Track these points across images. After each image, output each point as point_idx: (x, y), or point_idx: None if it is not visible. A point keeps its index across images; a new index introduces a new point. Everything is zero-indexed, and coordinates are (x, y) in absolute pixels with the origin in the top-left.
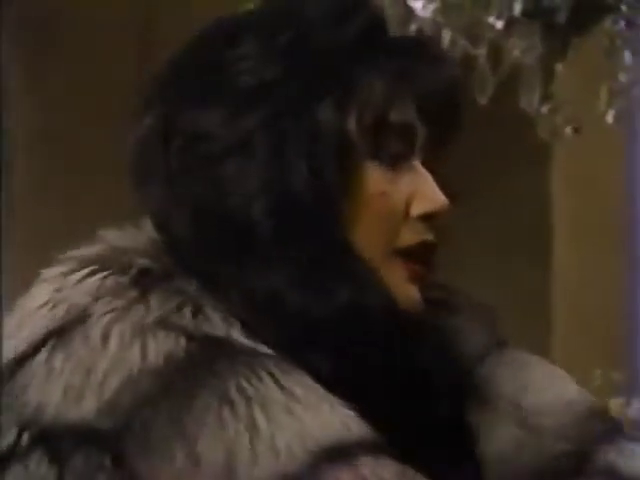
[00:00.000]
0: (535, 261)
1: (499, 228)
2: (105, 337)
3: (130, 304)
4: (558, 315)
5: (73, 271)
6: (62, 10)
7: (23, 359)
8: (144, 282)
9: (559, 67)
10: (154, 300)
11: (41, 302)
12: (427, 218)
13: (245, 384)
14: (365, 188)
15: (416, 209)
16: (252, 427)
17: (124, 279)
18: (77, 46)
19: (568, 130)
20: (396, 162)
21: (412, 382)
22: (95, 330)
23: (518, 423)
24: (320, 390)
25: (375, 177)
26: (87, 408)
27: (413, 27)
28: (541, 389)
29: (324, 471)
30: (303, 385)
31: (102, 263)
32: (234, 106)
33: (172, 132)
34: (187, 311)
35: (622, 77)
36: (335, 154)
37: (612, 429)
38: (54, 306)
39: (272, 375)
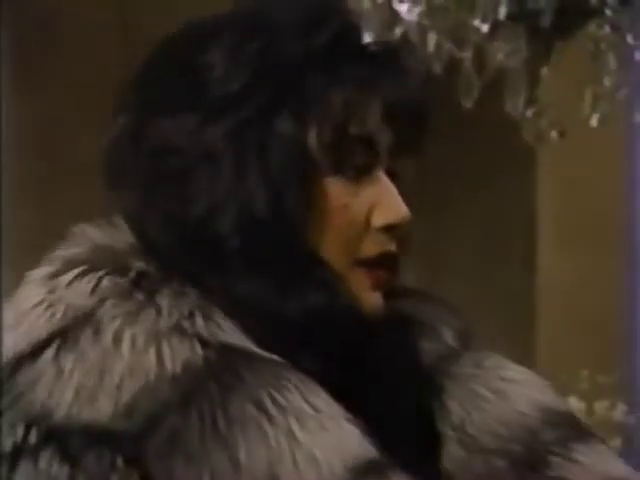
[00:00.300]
0: (521, 263)
1: (485, 231)
2: (117, 340)
3: (139, 308)
4: (543, 317)
5: (62, 272)
6: (56, 11)
7: (24, 358)
8: (146, 284)
9: (544, 71)
10: (164, 304)
11: (35, 302)
12: (388, 229)
13: (276, 394)
14: (326, 201)
15: (377, 220)
16: (292, 438)
17: (123, 281)
18: (67, 47)
19: (553, 134)
20: (358, 174)
21: (378, 381)
22: (106, 333)
23: (462, 445)
24: (335, 404)
25: (337, 190)
26: (102, 410)
27: (398, 31)
28: (489, 406)
29: None
30: (322, 399)
31: (91, 263)
32: (202, 116)
33: (143, 138)
34: (198, 317)
35: (607, 81)
36: (294, 169)
37: (566, 437)
38: (50, 306)
39: (297, 387)
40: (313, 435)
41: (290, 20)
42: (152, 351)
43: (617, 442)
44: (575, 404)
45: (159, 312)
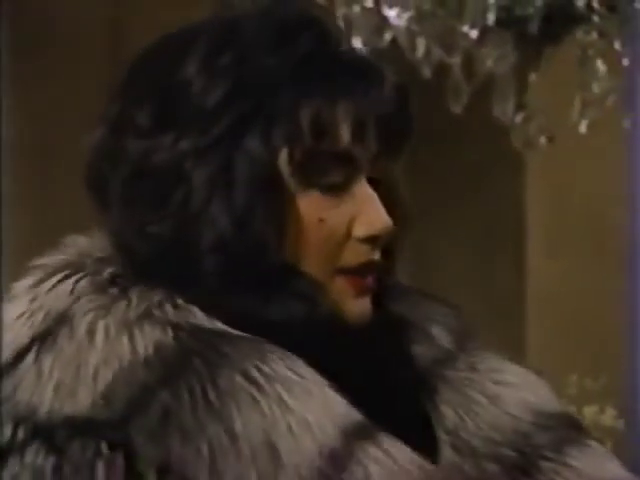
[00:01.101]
0: (510, 268)
1: (475, 235)
2: (90, 333)
3: (112, 301)
4: (532, 322)
5: (43, 280)
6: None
7: (8, 366)
8: (121, 282)
9: (533, 77)
10: (134, 297)
11: (18, 313)
12: (370, 239)
13: (261, 365)
14: (301, 217)
15: (357, 231)
16: (283, 405)
17: (99, 279)
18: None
19: (542, 139)
20: (337, 188)
21: (372, 386)
22: (80, 327)
23: (455, 449)
24: (317, 374)
25: (312, 205)
26: (81, 401)
27: (387, 36)
28: (483, 411)
29: (356, 447)
30: (305, 369)
31: (73, 268)
32: (176, 133)
33: (120, 154)
34: (168, 306)
35: (595, 87)
36: (261, 188)
37: (560, 440)
38: (32, 314)
39: (280, 358)
40: (302, 401)
41: (263, 34)
42: (124, 339)
43: (607, 447)
44: None
45: (129, 303)
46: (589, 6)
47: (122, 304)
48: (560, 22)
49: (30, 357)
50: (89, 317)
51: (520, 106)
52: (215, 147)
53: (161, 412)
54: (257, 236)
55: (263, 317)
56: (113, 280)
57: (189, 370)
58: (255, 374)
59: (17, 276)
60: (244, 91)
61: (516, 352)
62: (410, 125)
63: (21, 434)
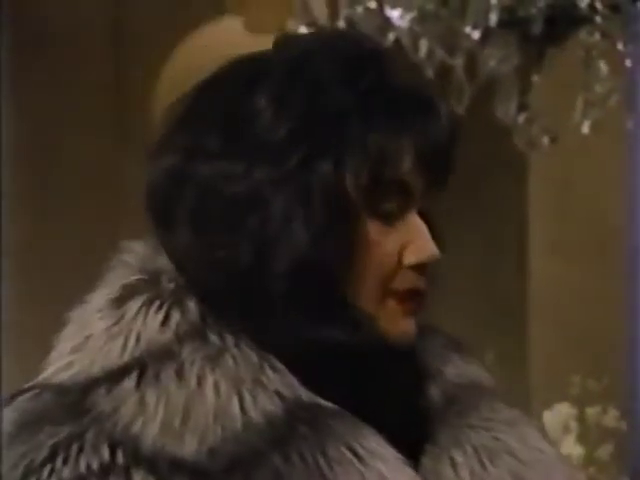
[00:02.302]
0: (513, 269)
1: (478, 235)
2: (200, 385)
3: (217, 354)
4: (535, 324)
5: (124, 298)
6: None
7: (99, 381)
8: (213, 325)
9: (535, 78)
10: (235, 353)
11: (104, 326)
12: (418, 267)
13: (363, 440)
14: (362, 242)
15: (408, 259)
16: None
17: (192, 317)
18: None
19: (545, 140)
20: (392, 216)
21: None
22: (190, 377)
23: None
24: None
25: (371, 231)
26: (186, 447)
27: (391, 36)
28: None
29: None
30: (387, 445)
31: (152, 291)
32: (248, 162)
33: (189, 182)
34: (268, 371)
35: (598, 88)
36: (337, 212)
37: None
38: (120, 334)
39: (373, 435)
40: (395, 475)
41: (330, 69)
42: (235, 400)
43: (609, 447)
44: (567, 410)
45: (235, 360)
46: (592, 7)
47: (228, 360)
48: (563, 23)
49: (130, 382)
50: (197, 367)
51: (523, 107)
52: (291, 175)
53: (272, 474)
54: (331, 258)
55: (313, 340)
56: (204, 319)
57: (298, 437)
58: (359, 449)
59: (17, 276)
60: (313, 124)
61: (519, 354)
62: (456, 154)
63: (121, 458)
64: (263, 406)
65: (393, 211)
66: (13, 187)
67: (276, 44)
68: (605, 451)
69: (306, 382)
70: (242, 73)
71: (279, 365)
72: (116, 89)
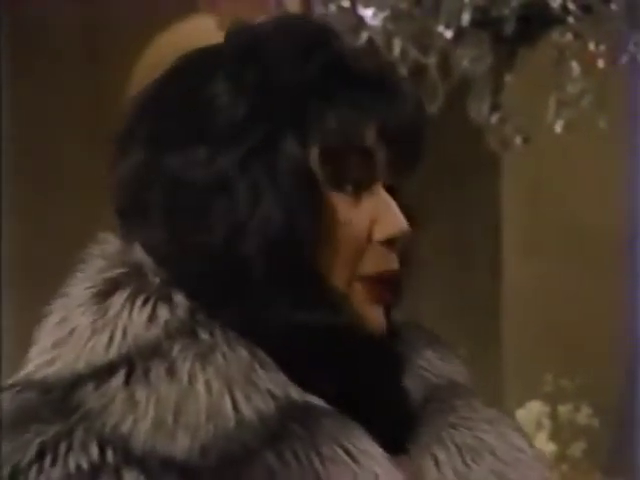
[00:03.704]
0: (486, 269)
1: (452, 235)
2: (192, 383)
3: (209, 351)
4: (508, 322)
5: (107, 292)
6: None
7: (86, 378)
8: (201, 321)
9: (508, 77)
10: (225, 350)
11: (88, 321)
12: (389, 243)
13: (355, 440)
14: (330, 218)
15: (378, 234)
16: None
17: (181, 313)
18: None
19: (517, 140)
20: (358, 189)
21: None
22: (182, 375)
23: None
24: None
25: (339, 206)
26: (178, 446)
27: (364, 35)
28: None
29: None
30: (374, 444)
31: (134, 284)
32: (211, 147)
33: (156, 174)
34: (258, 369)
35: (570, 88)
36: (304, 188)
37: None
38: (105, 329)
39: (364, 434)
40: (388, 475)
41: (285, 49)
42: (227, 398)
43: (582, 445)
44: (540, 407)
45: (225, 357)
46: (564, 7)
47: (219, 358)
48: (535, 23)
49: (118, 380)
50: (188, 365)
51: (495, 107)
52: (255, 155)
53: (266, 472)
54: (302, 233)
55: (289, 323)
56: (193, 315)
57: (292, 436)
58: (352, 449)
59: (17, 276)
60: (271, 102)
61: (493, 352)
62: (424, 136)
63: (111, 457)
64: (256, 404)
65: (358, 182)
66: (13, 191)
67: (229, 32)
68: (578, 448)
69: (293, 374)
70: (198, 62)
71: (268, 360)
72: (90, 89)
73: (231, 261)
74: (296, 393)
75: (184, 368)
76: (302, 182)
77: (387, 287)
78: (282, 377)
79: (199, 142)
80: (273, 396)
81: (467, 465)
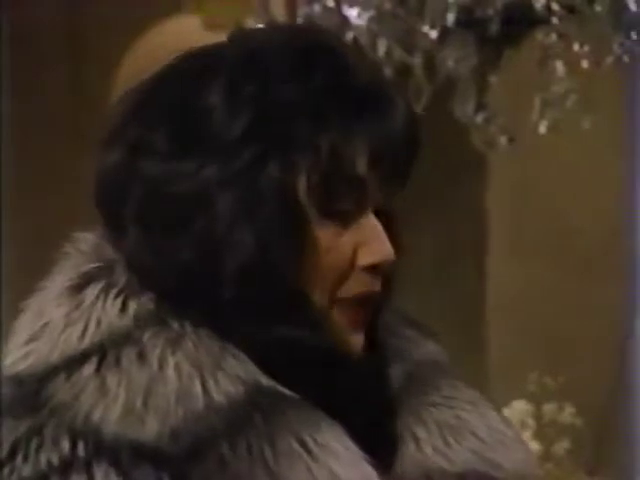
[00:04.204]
0: (472, 269)
1: (437, 236)
2: (161, 367)
3: (178, 337)
4: (493, 321)
5: (82, 285)
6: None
7: (58, 370)
8: (173, 312)
9: (493, 77)
10: (196, 339)
11: (62, 313)
12: (372, 269)
13: (316, 435)
14: (312, 245)
15: (362, 260)
16: (332, 475)
17: (148, 304)
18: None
19: (503, 140)
20: (348, 217)
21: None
22: (152, 359)
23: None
24: (353, 444)
25: (324, 234)
26: (148, 430)
27: (349, 35)
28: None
29: None
30: (345, 439)
31: (107, 278)
32: (197, 160)
33: (139, 178)
34: (229, 357)
35: (555, 88)
36: (284, 216)
37: None
38: (79, 320)
39: (329, 428)
40: (348, 472)
41: (282, 65)
42: (197, 382)
43: (565, 444)
44: (524, 407)
45: (195, 345)
46: (548, 8)
47: (189, 344)
48: (520, 24)
49: (89, 368)
50: (158, 350)
51: (481, 107)
52: (239, 175)
53: (219, 461)
54: (278, 262)
55: (266, 340)
56: (162, 307)
57: (249, 426)
58: (310, 443)
59: (17, 277)
60: (266, 121)
61: (478, 351)
62: (417, 152)
63: (82, 450)
64: (225, 388)
65: (348, 212)
66: (13, 191)
67: (230, 38)
68: (561, 447)
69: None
70: (195, 67)
71: (239, 353)
72: (71, 89)
73: (202, 280)
74: (266, 381)
75: (154, 353)
76: (283, 208)
77: (366, 309)
78: (252, 367)
79: (186, 154)
80: (243, 382)
81: (447, 443)
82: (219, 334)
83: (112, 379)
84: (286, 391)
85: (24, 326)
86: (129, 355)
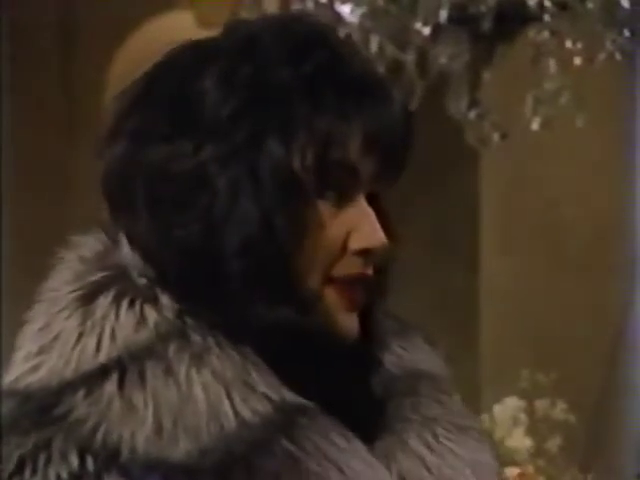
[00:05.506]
0: (465, 265)
1: (429, 232)
2: (189, 385)
3: (201, 352)
4: (485, 318)
5: (91, 295)
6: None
7: (71, 387)
8: (190, 323)
9: (485, 74)
10: (220, 352)
11: (75, 324)
12: (364, 253)
13: (336, 438)
14: (310, 222)
15: (353, 244)
16: (348, 473)
17: (169, 315)
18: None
19: (495, 136)
20: (340, 198)
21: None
22: (180, 377)
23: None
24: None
25: (319, 211)
26: (179, 450)
27: (341, 32)
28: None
29: None
30: (357, 440)
31: (116, 285)
32: (196, 141)
33: (140, 165)
34: (252, 372)
35: (547, 85)
36: (284, 189)
37: None
38: (91, 332)
39: (343, 434)
40: (363, 471)
41: (280, 50)
42: (226, 401)
43: (557, 440)
44: (516, 403)
45: (219, 359)
46: (541, 5)
47: (214, 360)
48: (512, 21)
49: (111, 385)
50: (184, 367)
51: (473, 103)
52: (238, 152)
53: (247, 473)
54: (279, 234)
55: (265, 322)
56: (181, 317)
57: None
58: (334, 454)
59: (17, 277)
60: (260, 102)
61: (470, 348)
62: (411, 142)
63: (91, 465)
64: (253, 406)
65: (340, 194)
66: (13, 187)
67: (226, 28)
68: (554, 443)
69: (278, 373)
70: (191, 57)
71: (259, 362)
72: (64, 87)
73: (209, 257)
74: (290, 396)
75: (181, 370)
76: (283, 183)
77: (358, 290)
78: (275, 380)
79: (184, 135)
80: (269, 399)
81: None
82: (234, 334)
83: (138, 397)
84: (309, 404)
85: (30, 339)
86: (154, 371)
